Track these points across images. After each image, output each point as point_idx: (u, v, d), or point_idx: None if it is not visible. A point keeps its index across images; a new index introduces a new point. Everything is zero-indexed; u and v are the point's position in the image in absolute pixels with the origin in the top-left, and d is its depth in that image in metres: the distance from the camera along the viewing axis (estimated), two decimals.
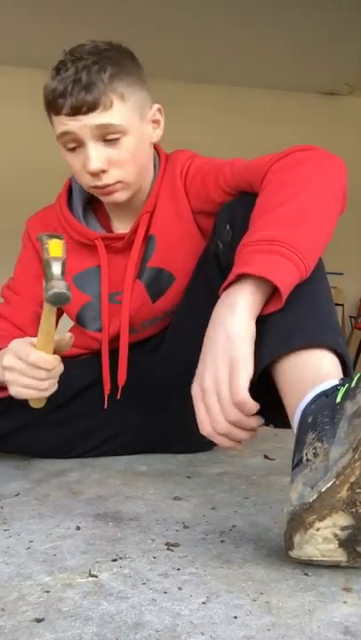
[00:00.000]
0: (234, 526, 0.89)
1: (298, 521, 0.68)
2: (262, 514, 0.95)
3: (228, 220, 1.00)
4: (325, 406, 0.72)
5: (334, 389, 0.74)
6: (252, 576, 0.71)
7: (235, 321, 0.80)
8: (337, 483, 0.66)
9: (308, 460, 0.71)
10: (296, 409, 0.77)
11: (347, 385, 0.73)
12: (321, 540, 0.68)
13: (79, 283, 1.21)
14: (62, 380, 1.34)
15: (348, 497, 0.66)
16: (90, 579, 0.71)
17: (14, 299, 1.26)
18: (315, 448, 0.70)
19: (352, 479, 0.65)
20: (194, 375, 0.83)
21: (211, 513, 0.95)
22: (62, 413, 1.24)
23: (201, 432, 0.81)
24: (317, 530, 0.67)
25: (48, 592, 0.67)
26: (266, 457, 1.33)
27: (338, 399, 0.72)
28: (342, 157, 0.95)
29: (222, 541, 0.83)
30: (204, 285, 1.05)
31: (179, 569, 0.74)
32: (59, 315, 1.32)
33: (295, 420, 0.77)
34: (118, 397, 1.19)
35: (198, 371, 0.82)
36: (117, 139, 1.06)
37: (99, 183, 1.09)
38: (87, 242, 1.20)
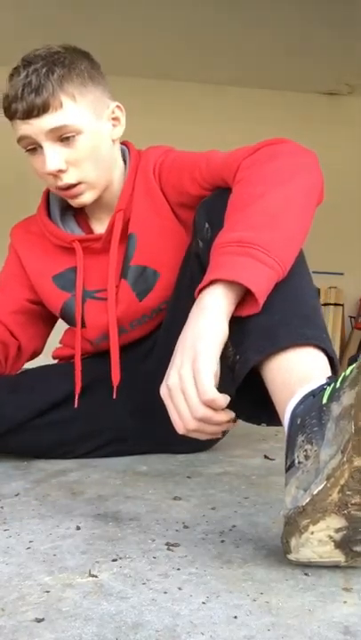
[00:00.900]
0: (234, 526, 0.89)
1: (293, 525, 0.68)
2: (262, 514, 0.95)
3: (207, 217, 0.99)
4: (313, 407, 0.72)
5: (321, 389, 0.73)
6: (252, 576, 0.71)
7: (203, 321, 0.80)
8: (328, 485, 0.65)
9: (299, 462, 0.70)
10: (286, 409, 0.77)
11: (333, 385, 0.72)
12: (317, 542, 0.68)
13: (59, 282, 1.24)
14: (60, 381, 1.34)
15: (340, 499, 0.65)
16: (90, 579, 0.71)
17: None
18: (305, 450, 0.70)
19: (342, 481, 0.65)
20: None
21: (211, 513, 0.95)
22: (61, 414, 1.24)
23: (178, 432, 0.80)
24: (312, 533, 0.67)
25: (48, 592, 0.67)
26: (266, 457, 1.33)
27: (324, 400, 0.71)
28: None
29: (222, 541, 0.83)
30: (188, 284, 1.06)
31: (179, 569, 0.73)
32: (54, 318, 1.34)
33: (285, 420, 0.77)
34: (114, 397, 1.19)
35: (167, 371, 0.82)
36: (73, 138, 1.07)
37: (60, 184, 1.11)
38: (66, 245, 1.21)
